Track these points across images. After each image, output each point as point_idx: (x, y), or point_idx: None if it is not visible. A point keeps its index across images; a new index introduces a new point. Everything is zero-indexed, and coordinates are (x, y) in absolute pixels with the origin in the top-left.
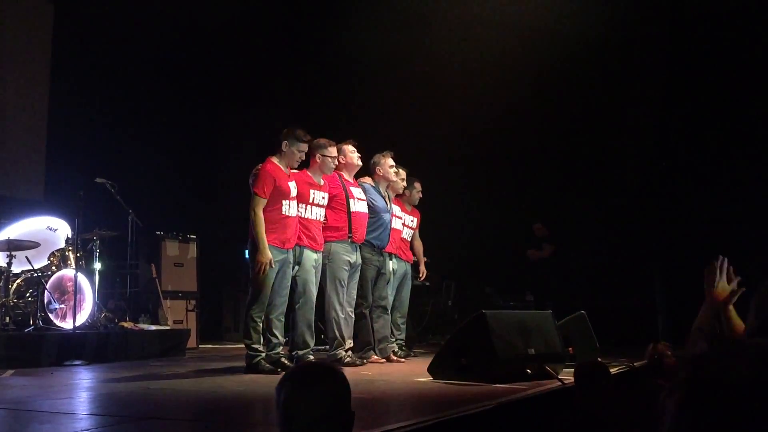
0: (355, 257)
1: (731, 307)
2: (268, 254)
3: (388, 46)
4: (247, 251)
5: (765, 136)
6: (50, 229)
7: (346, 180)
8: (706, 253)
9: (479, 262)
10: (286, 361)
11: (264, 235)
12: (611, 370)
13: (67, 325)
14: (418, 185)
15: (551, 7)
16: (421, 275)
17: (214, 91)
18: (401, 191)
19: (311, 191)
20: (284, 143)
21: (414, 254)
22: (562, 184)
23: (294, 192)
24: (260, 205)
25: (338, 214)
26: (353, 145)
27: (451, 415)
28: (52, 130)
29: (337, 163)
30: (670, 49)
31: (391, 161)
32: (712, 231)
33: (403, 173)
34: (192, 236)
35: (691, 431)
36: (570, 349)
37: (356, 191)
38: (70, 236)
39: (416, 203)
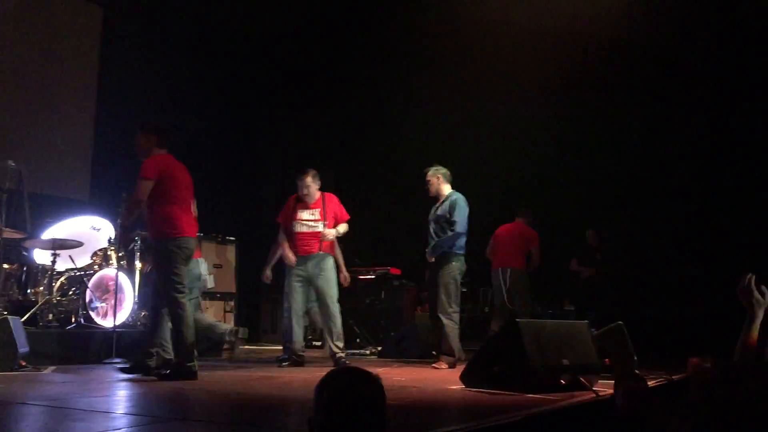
0: None
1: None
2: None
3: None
4: None
5: None
6: (94, 229)
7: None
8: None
9: None
10: None
11: None
12: (649, 383)
13: (108, 323)
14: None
15: (596, 10)
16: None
17: (256, 98)
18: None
19: None
20: None
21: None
22: (609, 193)
23: None
24: None
25: None
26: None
27: (482, 425)
28: (99, 131)
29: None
30: (720, 55)
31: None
32: (758, 241)
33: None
34: (231, 238)
35: None
36: (606, 360)
37: None
38: (112, 236)
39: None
